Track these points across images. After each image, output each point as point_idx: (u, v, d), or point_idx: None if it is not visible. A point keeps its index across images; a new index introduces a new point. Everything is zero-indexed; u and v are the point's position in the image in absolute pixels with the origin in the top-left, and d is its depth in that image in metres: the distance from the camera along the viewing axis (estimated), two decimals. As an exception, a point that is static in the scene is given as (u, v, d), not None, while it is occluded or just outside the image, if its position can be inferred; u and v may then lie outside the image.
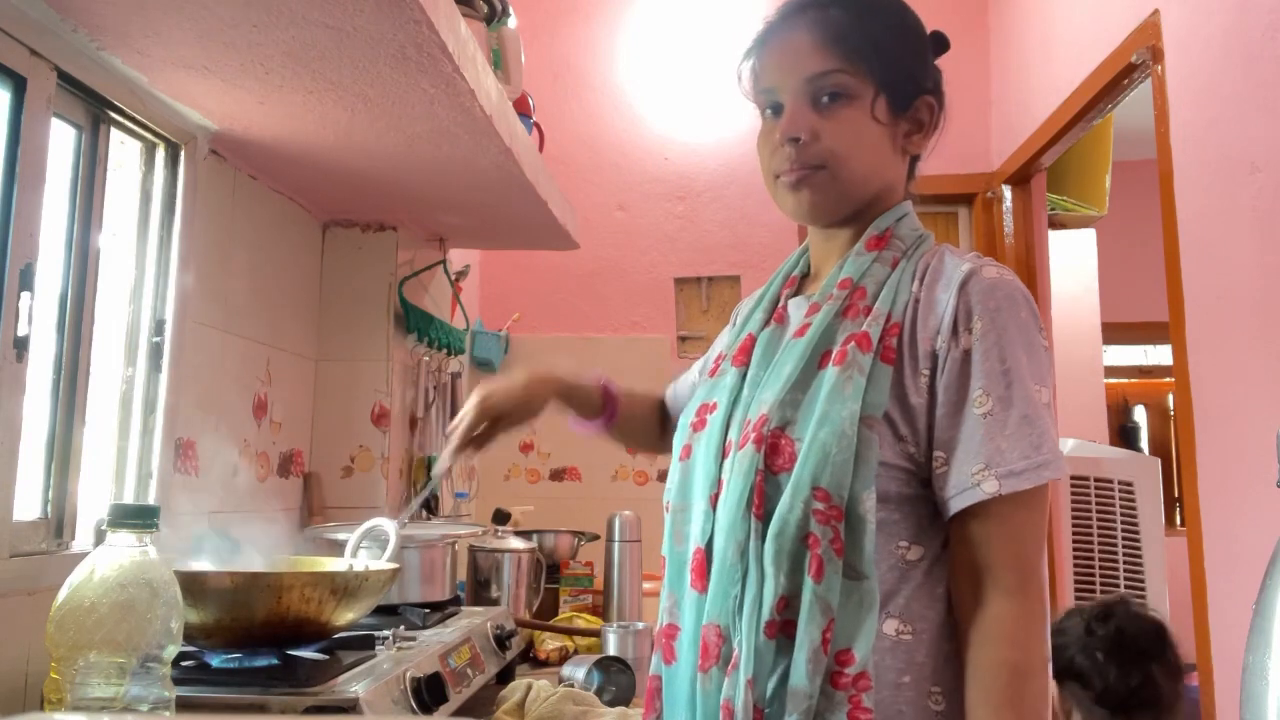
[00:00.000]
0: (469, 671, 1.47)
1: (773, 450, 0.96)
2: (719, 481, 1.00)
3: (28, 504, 1.29)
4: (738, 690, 0.91)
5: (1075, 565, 3.34)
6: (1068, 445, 3.41)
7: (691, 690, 0.97)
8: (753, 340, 1.08)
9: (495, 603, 2.08)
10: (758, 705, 0.91)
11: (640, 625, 1.92)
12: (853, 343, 0.97)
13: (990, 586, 0.92)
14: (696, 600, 0.99)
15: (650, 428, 1.38)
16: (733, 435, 1.01)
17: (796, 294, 1.12)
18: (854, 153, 1.03)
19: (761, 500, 0.95)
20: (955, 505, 0.93)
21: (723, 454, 1.01)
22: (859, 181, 1.04)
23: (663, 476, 3.12)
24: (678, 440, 1.10)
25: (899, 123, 1.06)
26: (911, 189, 1.13)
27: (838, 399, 0.94)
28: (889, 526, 0.94)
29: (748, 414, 1.01)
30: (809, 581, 0.91)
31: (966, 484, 0.92)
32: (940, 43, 1.12)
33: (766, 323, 1.10)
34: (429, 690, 1.27)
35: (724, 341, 1.20)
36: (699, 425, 1.07)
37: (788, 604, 0.92)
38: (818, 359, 0.99)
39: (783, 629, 0.92)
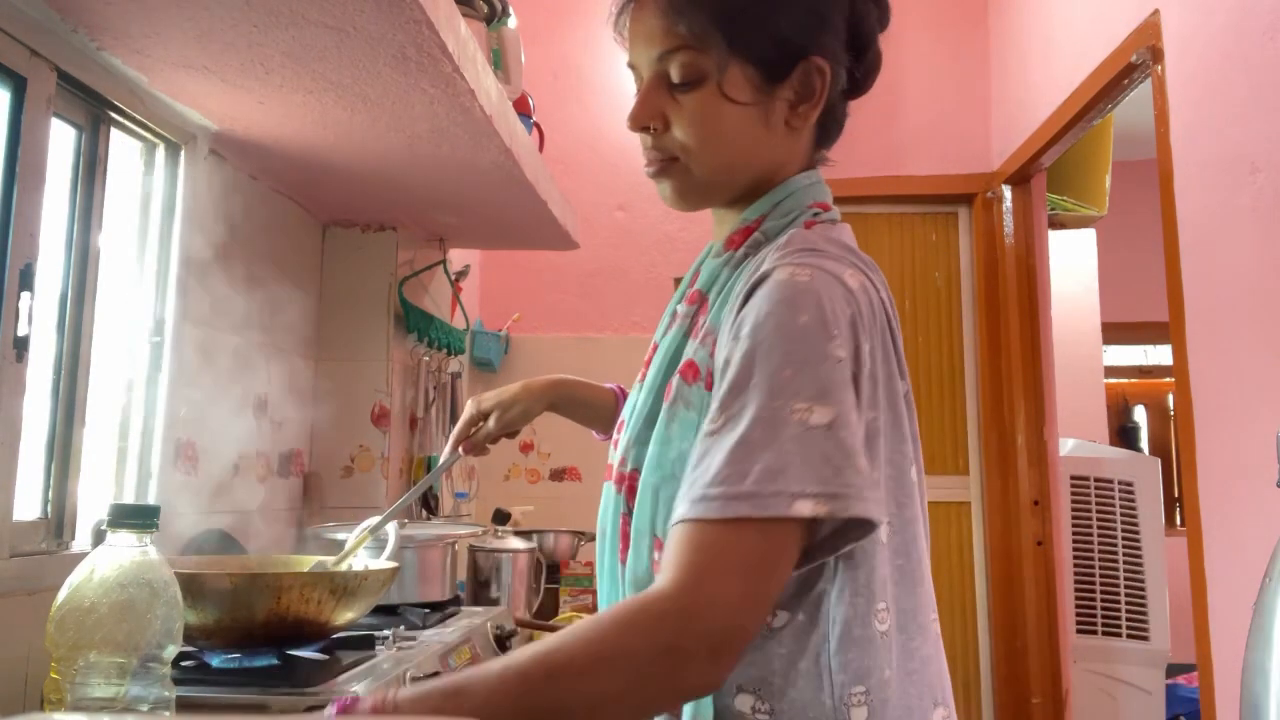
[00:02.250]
0: (469, 671, 1.47)
1: (630, 492, 0.88)
2: None
3: (28, 504, 1.29)
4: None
5: (1075, 565, 3.34)
6: (1068, 445, 3.41)
7: None
8: (655, 350, 0.97)
9: (495, 603, 2.07)
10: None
11: None
12: (678, 375, 0.87)
13: (654, 590, 0.72)
14: None
15: None
16: (615, 466, 0.93)
17: None
18: (707, 142, 0.90)
19: (625, 545, 0.88)
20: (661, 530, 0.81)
21: None
22: (720, 170, 0.91)
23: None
24: (609, 455, 1.00)
25: (775, 95, 0.90)
26: (819, 158, 0.98)
27: (666, 439, 0.84)
28: None
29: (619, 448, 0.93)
30: None
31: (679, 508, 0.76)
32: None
33: (668, 329, 0.97)
34: (429, 690, 1.26)
35: None
36: (615, 444, 0.97)
37: None
38: (664, 390, 0.88)
39: None
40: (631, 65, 0.95)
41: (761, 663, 0.80)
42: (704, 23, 0.88)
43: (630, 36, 0.95)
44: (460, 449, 1.31)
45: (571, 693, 0.68)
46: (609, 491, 0.94)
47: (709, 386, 0.83)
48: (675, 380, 0.87)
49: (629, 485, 0.88)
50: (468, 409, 1.30)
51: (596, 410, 1.29)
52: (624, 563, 0.88)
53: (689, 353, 0.88)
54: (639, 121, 0.93)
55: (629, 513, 0.88)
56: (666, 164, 0.93)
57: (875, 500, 0.76)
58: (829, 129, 0.96)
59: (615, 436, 0.98)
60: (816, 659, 0.80)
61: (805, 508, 0.72)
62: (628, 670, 0.69)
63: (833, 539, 0.77)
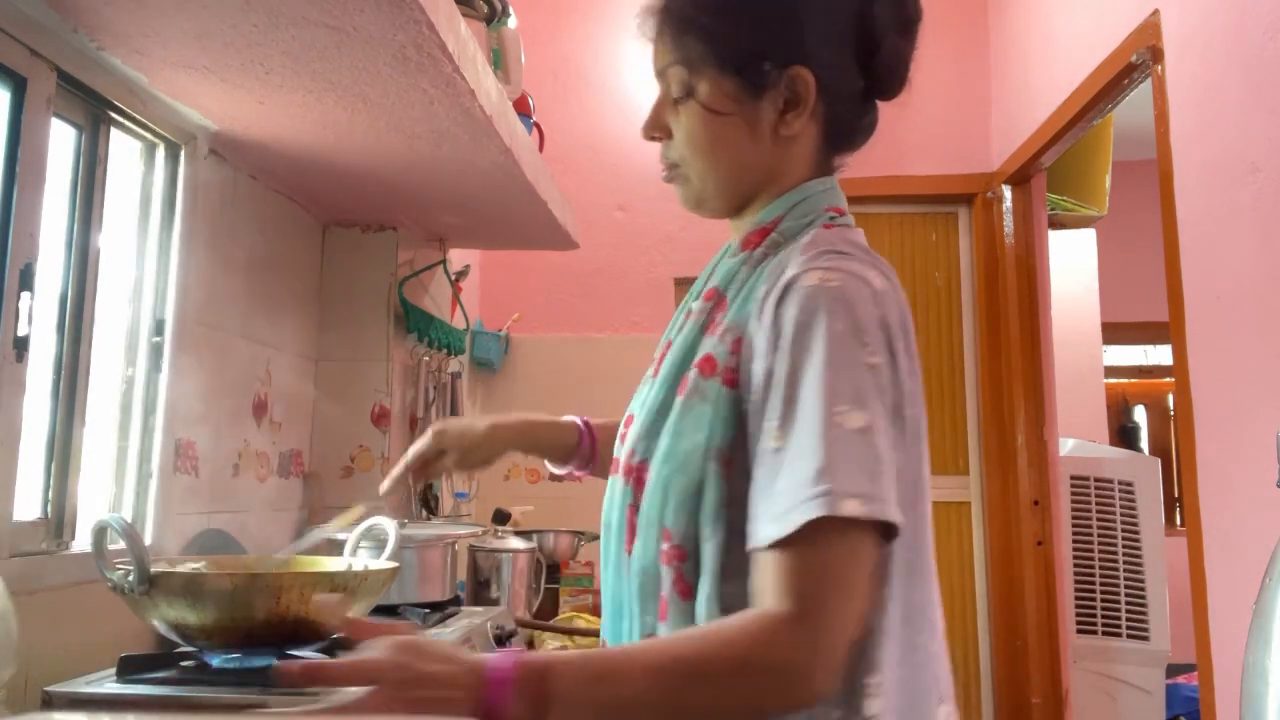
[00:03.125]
0: (469, 671, 1.47)
1: (638, 484, 0.90)
2: None
3: (28, 504, 1.29)
4: None
5: (1075, 565, 3.34)
6: (1068, 445, 3.41)
7: None
8: (670, 346, 1.00)
9: (495, 603, 2.08)
10: None
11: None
12: (695, 369, 0.89)
13: (779, 613, 0.76)
14: (606, 624, 0.97)
15: None
16: (623, 459, 0.95)
17: None
18: (697, 151, 0.95)
19: (631, 536, 0.90)
20: (750, 546, 0.81)
21: None
22: (719, 180, 0.96)
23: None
24: (615, 450, 1.03)
25: (760, 104, 0.92)
26: (839, 163, 1.00)
27: (678, 432, 0.87)
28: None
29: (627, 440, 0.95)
30: (660, 625, 0.87)
31: (752, 529, 0.81)
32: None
33: (681, 326, 1.00)
34: (429, 690, 1.26)
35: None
36: (623, 438, 1.00)
37: None
38: (678, 384, 0.91)
39: None
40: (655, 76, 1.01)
41: None
42: (686, 39, 0.93)
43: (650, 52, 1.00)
44: (410, 478, 1.24)
45: (705, 696, 0.75)
46: (616, 485, 0.95)
47: (726, 382, 0.86)
48: (691, 374, 0.89)
49: (636, 477, 0.90)
50: (427, 438, 1.22)
51: (561, 449, 1.24)
52: (630, 553, 0.90)
53: (707, 348, 0.90)
54: (645, 133, 0.99)
55: (635, 505, 0.90)
56: (672, 171, 0.99)
57: (898, 505, 0.79)
58: (838, 134, 0.97)
59: (622, 431, 1.00)
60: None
61: (852, 507, 0.75)
62: (764, 686, 0.75)
63: None
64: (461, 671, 0.74)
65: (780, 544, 0.77)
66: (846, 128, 0.98)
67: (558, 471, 1.26)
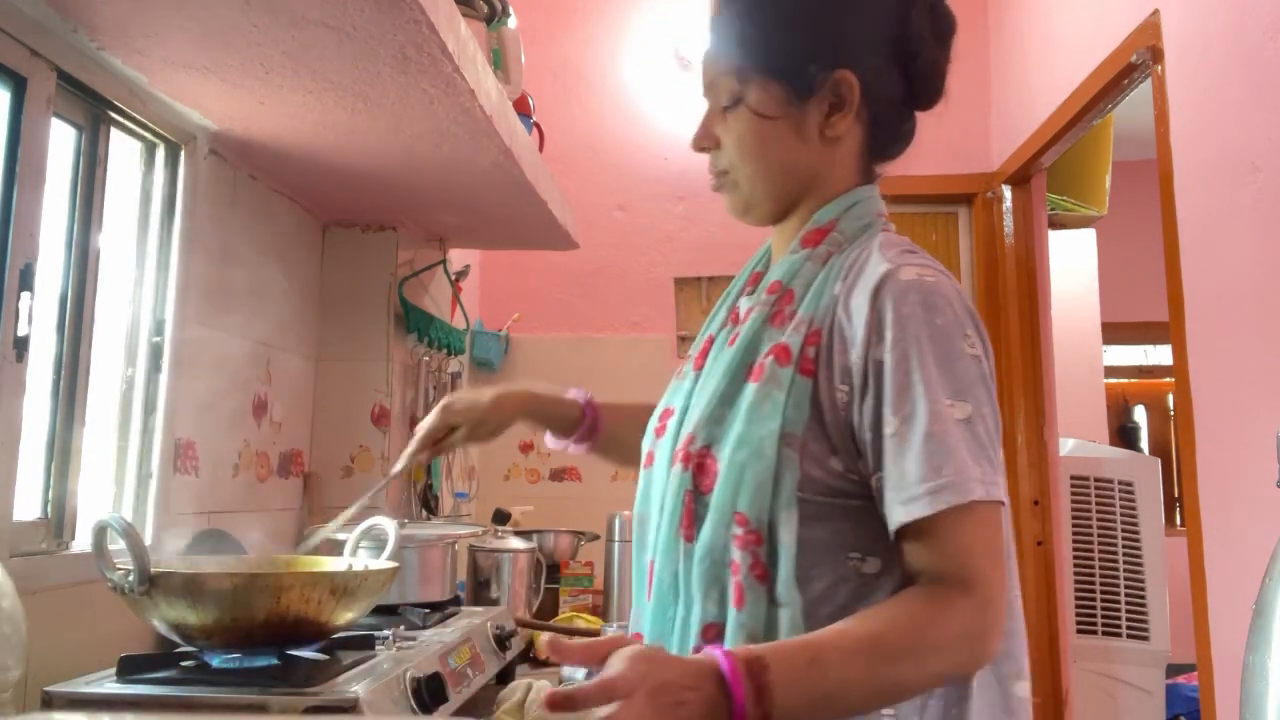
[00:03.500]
0: (469, 671, 1.47)
1: (699, 470, 0.93)
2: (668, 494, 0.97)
3: (28, 504, 1.29)
4: None
5: (1075, 565, 3.34)
6: (1068, 445, 3.41)
7: None
8: (711, 342, 1.04)
9: (495, 603, 2.08)
10: None
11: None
12: (771, 356, 0.92)
13: (948, 586, 0.84)
14: (650, 611, 0.98)
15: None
16: (676, 447, 0.98)
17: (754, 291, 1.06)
18: (747, 157, 1.00)
19: (691, 522, 0.92)
20: (889, 530, 0.87)
21: (673, 464, 0.98)
22: (767, 183, 1.00)
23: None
24: (644, 445, 1.07)
25: (806, 108, 0.97)
26: (880, 171, 1.05)
27: (754, 418, 0.90)
28: (835, 541, 0.89)
29: (683, 428, 0.97)
30: (732, 610, 0.88)
31: (888, 510, 0.87)
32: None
33: (725, 323, 1.05)
34: (429, 690, 1.27)
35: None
36: (660, 431, 1.03)
37: (718, 631, 0.89)
38: (744, 372, 0.94)
39: None
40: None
41: (863, 607, 0.87)
42: (735, 50, 0.99)
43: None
44: (422, 456, 1.29)
45: (903, 671, 0.81)
46: (666, 471, 0.97)
47: (803, 370, 0.90)
48: (768, 362, 0.92)
49: (698, 463, 0.93)
50: (436, 414, 1.27)
51: (563, 422, 1.28)
52: (689, 539, 0.92)
53: (777, 338, 0.93)
54: (696, 144, 1.04)
55: (695, 490, 0.92)
56: (721, 179, 1.03)
57: (1003, 486, 0.87)
58: (881, 140, 1.02)
59: (657, 425, 1.04)
60: None
61: (979, 491, 0.83)
62: (951, 655, 0.83)
63: None
64: (698, 673, 0.77)
65: (930, 528, 0.83)
66: (888, 134, 1.02)
67: (554, 445, 1.30)
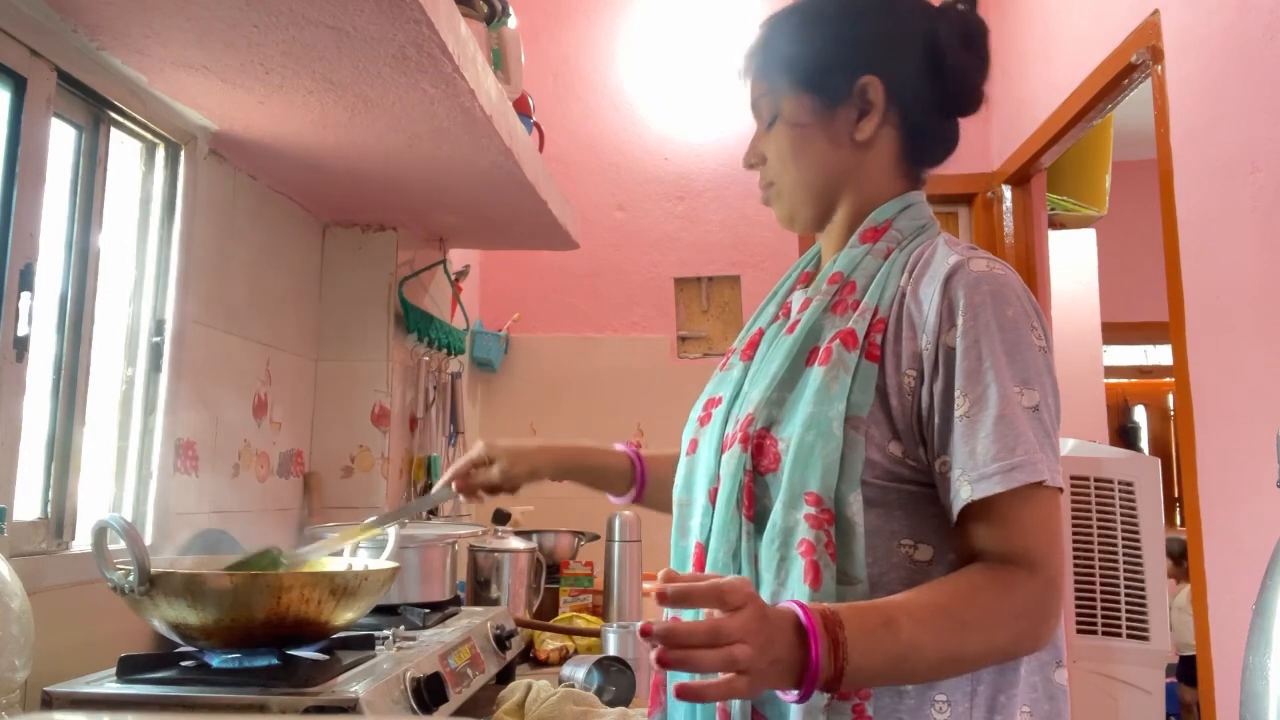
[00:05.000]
0: (469, 671, 1.47)
1: (758, 451, 0.95)
2: (718, 477, 1.00)
3: (28, 504, 1.29)
4: None
5: (1075, 565, 3.33)
6: (1068, 445, 3.40)
7: None
8: (761, 334, 1.08)
9: (495, 603, 2.08)
10: (755, 708, 0.91)
11: (640, 625, 1.91)
12: (838, 340, 0.95)
13: (1014, 564, 0.87)
14: None
15: None
16: (729, 431, 1.01)
17: (806, 288, 1.11)
18: (789, 165, 1.06)
19: (751, 501, 0.95)
20: (953, 511, 0.90)
21: (723, 449, 1.01)
22: (806, 188, 1.06)
23: (663, 477, 3.10)
24: (686, 434, 1.10)
25: (837, 115, 1.03)
26: (925, 176, 1.09)
27: (823, 399, 0.92)
28: (889, 527, 0.91)
29: (738, 411, 1.01)
30: (806, 590, 0.89)
31: (954, 490, 0.89)
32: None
33: (775, 317, 1.10)
34: (429, 690, 1.26)
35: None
36: (705, 419, 1.07)
37: None
38: (805, 356, 0.98)
39: None
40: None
41: None
42: (767, 68, 1.07)
43: None
44: (454, 485, 1.30)
45: (969, 641, 0.84)
46: (714, 456, 1.01)
47: (868, 355, 0.93)
48: (834, 346, 0.95)
49: (757, 444, 0.95)
50: (476, 448, 1.30)
51: (611, 475, 1.30)
52: (750, 517, 0.95)
53: (841, 324, 0.96)
54: (746, 161, 1.11)
55: (755, 470, 0.95)
56: (768, 191, 1.10)
57: (1061, 475, 0.90)
58: (916, 146, 1.06)
59: (701, 414, 1.08)
60: None
61: (1046, 474, 0.86)
62: (1014, 630, 0.86)
63: None
64: (781, 620, 0.79)
65: (998, 510, 0.87)
66: (925, 140, 1.06)
67: (618, 500, 1.32)
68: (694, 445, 1.07)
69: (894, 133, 1.04)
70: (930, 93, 1.04)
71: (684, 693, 0.78)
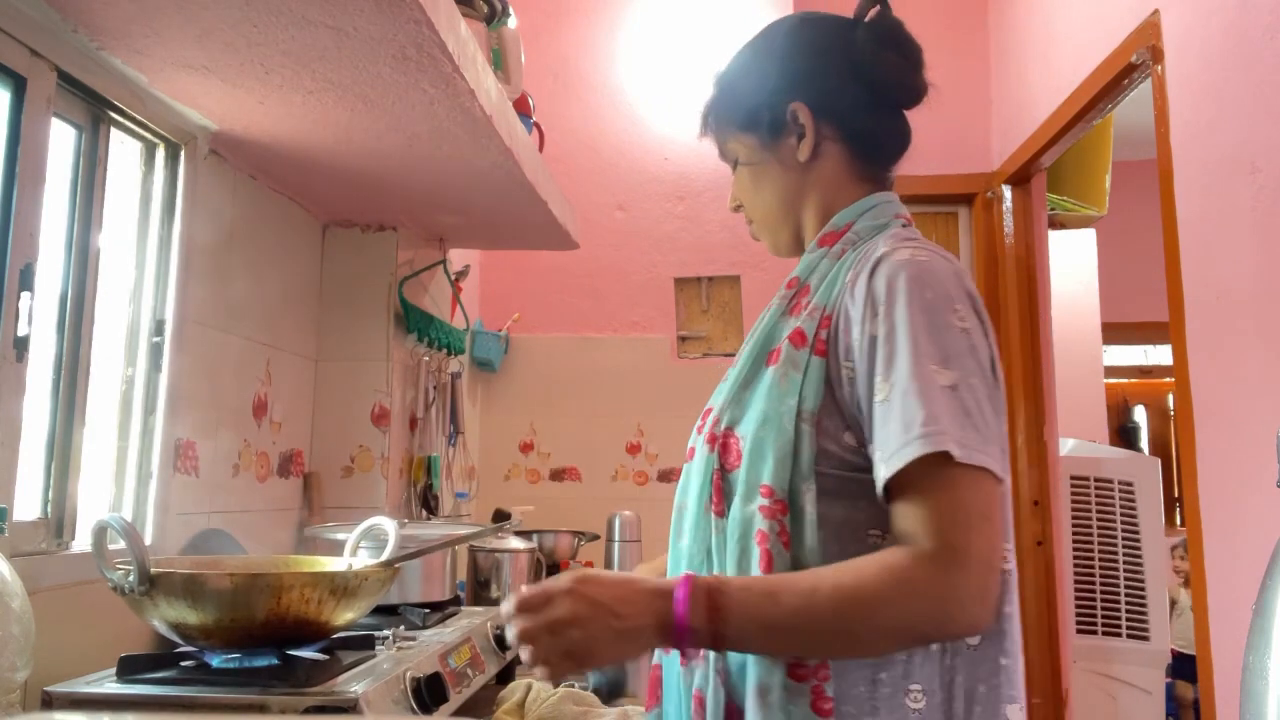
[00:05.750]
0: (469, 671, 1.47)
1: (724, 449, 0.99)
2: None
3: (28, 504, 1.29)
4: (708, 682, 0.95)
5: (1075, 565, 3.34)
6: (1068, 445, 3.40)
7: (678, 680, 1.00)
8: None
9: (495, 603, 2.08)
10: (730, 698, 0.94)
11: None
12: (788, 340, 0.99)
13: (913, 548, 0.86)
14: None
15: None
16: (705, 434, 1.05)
17: None
18: (755, 200, 1.14)
19: (720, 499, 0.98)
20: (879, 495, 0.90)
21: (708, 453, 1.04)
22: (773, 216, 1.13)
23: (662, 478, 3.11)
24: (689, 443, 1.13)
25: (781, 145, 1.10)
26: (888, 174, 1.12)
27: (774, 396, 0.96)
28: (855, 517, 0.93)
29: (714, 415, 1.04)
30: (759, 574, 0.92)
31: (876, 475, 0.90)
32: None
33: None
34: (429, 690, 1.27)
35: None
36: (700, 428, 1.09)
37: None
38: (764, 358, 1.02)
39: None
40: None
41: None
42: (718, 120, 1.15)
43: None
44: None
45: (862, 617, 0.86)
46: (694, 463, 1.05)
47: (817, 351, 0.96)
48: (784, 345, 0.99)
49: (723, 443, 1.00)
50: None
51: None
52: (719, 514, 0.98)
53: (794, 325, 1.00)
54: (729, 206, 1.20)
55: (722, 468, 0.99)
56: (751, 228, 1.18)
57: (995, 457, 0.88)
58: (864, 147, 1.10)
59: (699, 423, 1.10)
60: None
61: (955, 449, 0.85)
62: (903, 611, 0.85)
63: None
64: (653, 593, 0.87)
65: (909, 487, 0.87)
66: (870, 142, 1.10)
67: None
68: (691, 452, 1.10)
69: (836, 145, 1.09)
70: (861, 98, 1.08)
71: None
